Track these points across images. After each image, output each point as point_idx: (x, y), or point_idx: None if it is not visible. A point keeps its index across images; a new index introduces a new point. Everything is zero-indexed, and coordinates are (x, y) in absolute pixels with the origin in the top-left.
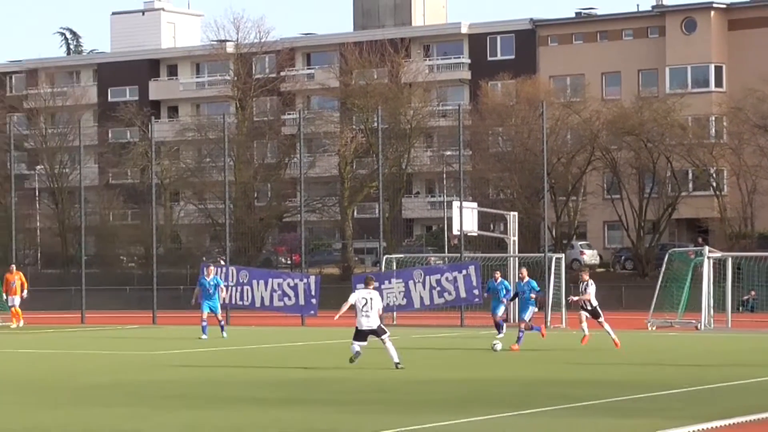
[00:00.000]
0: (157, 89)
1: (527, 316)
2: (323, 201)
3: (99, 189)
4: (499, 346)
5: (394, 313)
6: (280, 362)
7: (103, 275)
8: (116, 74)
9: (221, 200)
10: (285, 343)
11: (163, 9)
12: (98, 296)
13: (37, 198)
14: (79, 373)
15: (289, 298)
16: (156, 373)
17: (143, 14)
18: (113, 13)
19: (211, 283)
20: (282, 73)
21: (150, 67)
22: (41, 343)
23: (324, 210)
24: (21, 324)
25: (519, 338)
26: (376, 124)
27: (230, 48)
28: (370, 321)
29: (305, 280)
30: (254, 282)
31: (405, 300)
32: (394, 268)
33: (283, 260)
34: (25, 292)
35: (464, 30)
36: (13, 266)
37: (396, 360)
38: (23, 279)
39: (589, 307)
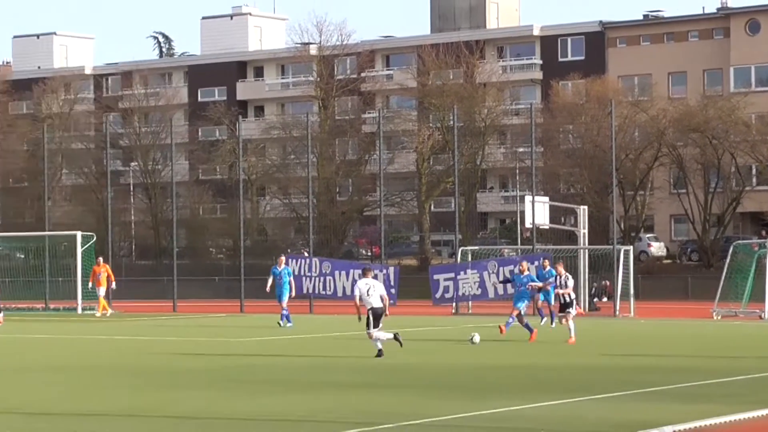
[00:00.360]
0: (245, 90)
1: (522, 308)
2: (402, 196)
3: (189, 184)
4: (477, 339)
5: (470, 302)
6: (361, 349)
7: (194, 266)
8: (206, 76)
9: (305, 195)
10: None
11: (250, 13)
12: (189, 286)
13: (131, 193)
14: (170, 358)
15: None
16: (243, 359)
17: (231, 19)
18: (203, 18)
19: (282, 272)
20: (362, 74)
21: (238, 69)
22: (136, 330)
23: (402, 204)
24: (108, 313)
25: (508, 324)
26: (452, 123)
27: (313, 50)
28: (375, 301)
29: (384, 271)
30: (336, 272)
31: (480, 290)
32: (470, 259)
33: (363, 252)
34: (114, 284)
35: (536, 32)
36: (101, 259)
37: (380, 346)
38: (109, 271)
39: (567, 300)
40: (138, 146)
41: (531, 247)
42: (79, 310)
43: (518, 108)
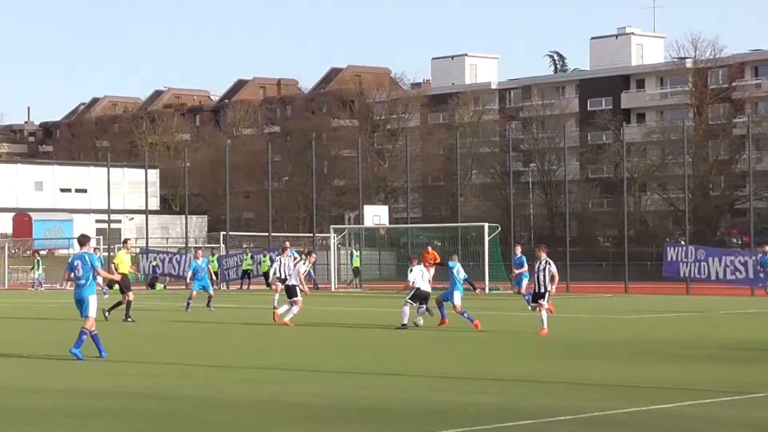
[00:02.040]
0: (628, 99)
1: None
2: None
3: (580, 182)
4: (420, 322)
5: None
6: (735, 327)
7: (584, 253)
8: (594, 88)
9: (682, 190)
10: (737, 311)
11: (633, 33)
12: (580, 270)
13: (530, 189)
14: (566, 332)
15: (740, 273)
16: (629, 332)
17: (617, 38)
18: (592, 38)
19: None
20: (733, 84)
21: (622, 82)
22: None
23: None
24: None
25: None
26: None
27: (689, 64)
28: (426, 286)
29: (754, 258)
30: (710, 259)
31: None
32: None
33: (734, 240)
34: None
35: None
36: (429, 247)
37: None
38: (437, 256)
39: (542, 290)
40: (536, 150)
41: None
42: (487, 290)
43: None
